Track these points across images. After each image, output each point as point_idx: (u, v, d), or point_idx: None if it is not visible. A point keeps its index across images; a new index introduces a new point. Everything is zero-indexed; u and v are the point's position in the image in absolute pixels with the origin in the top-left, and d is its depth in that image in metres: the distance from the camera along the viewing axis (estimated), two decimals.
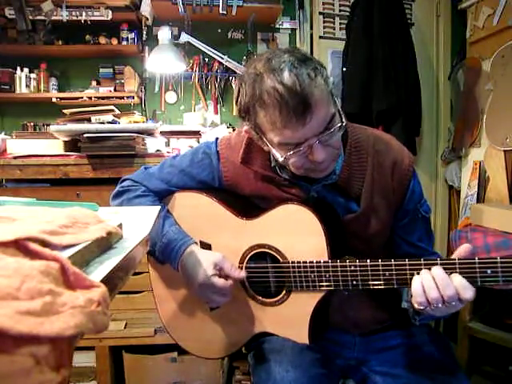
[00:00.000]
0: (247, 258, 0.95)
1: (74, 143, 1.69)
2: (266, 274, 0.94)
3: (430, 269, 0.77)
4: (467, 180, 2.37)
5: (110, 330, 1.66)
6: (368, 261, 0.82)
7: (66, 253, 0.41)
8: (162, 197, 1.03)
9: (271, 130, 0.80)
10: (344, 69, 2.38)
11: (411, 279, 0.78)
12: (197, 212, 1.00)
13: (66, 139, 1.71)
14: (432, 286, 0.74)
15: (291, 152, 0.81)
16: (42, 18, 2.59)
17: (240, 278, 0.92)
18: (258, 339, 0.97)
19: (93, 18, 2.63)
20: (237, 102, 0.86)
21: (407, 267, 0.79)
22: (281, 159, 0.83)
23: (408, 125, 2.25)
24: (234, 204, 0.98)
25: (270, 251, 0.92)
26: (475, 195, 2.25)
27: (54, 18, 2.59)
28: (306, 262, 0.87)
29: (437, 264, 0.76)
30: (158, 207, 0.87)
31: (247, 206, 0.98)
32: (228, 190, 1.00)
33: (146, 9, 2.63)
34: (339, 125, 0.81)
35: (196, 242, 0.95)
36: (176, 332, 1.05)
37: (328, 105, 0.79)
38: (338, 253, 0.87)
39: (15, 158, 1.62)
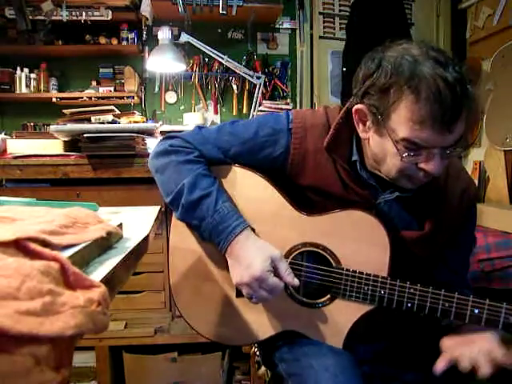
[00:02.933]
0: (295, 253, 0.89)
1: (74, 143, 1.69)
2: (312, 275, 0.89)
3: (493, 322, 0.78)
4: None
5: (110, 330, 1.66)
6: (430, 288, 0.81)
7: (66, 253, 0.41)
8: (213, 165, 0.92)
9: (406, 120, 0.72)
10: (344, 69, 2.38)
11: (471, 315, 0.79)
12: (248, 192, 0.91)
13: (66, 139, 1.71)
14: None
15: (410, 153, 0.74)
16: (42, 18, 2.59)
17: (293, 285, 0.85)
18: (282, 339, 0.92)
19: (93, 18, 2.63)
20: (370, 76, 0.76)
21: (469, 303, 0.79)
22: (395, 154, 0.75)
23: None
24: (288, 194, 0.91)
25: (323, 252, 0.87)
26: None
27: (54, 18, 2.60)
28: (362, 273, 0.84)
29: (502, 307, 0.77)
30: (158, 207, 0.85)
31: (300, 199, 0.91)
32: (287, 174, 0.91)
33: (146, 9, 2.63)
34: (463, 148, 0.77)
35: (250, 226, 0.86)
36: (187, 308, 0.97)
37: (465, 122, 0.74)
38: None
39: (15, 157, 1.62)
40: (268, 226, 0.90)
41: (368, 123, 0.80)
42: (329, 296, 0.88)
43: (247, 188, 0.92)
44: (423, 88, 0.69)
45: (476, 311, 0.79)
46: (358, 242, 0.85)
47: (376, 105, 0.75)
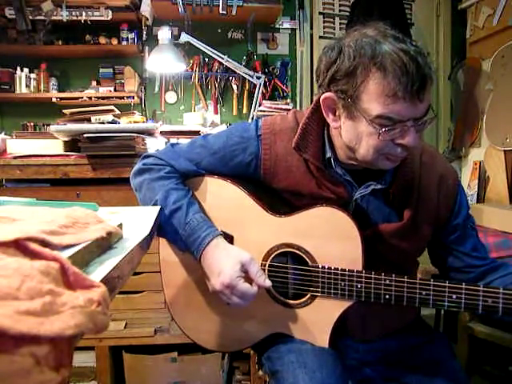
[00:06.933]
0: (272, 256, 0.90)
1: (74, 143, 1.69)
2: (292, 276, 0.90)
3: (470, 292, 0.77)
4: (467, 180, 2.37)
5: (110, 330, 1.66)
6: (405, 277, 0.80)
7: (66, 253, 0.41)
8: (188, 178, 0.96)
9: (377, 97, 0.72)
10: None
11: (449, 301, 0.78)
12: (223, 201, 0.93)
13: (66, 139, 1.71)
14: None
15: (386, 129, 0.74)
16: (42, 18, 2.59)
17: (265, 287, 0.84)
18: (269, 340, 0.93)
19: (93, 18, 2.63)
20: (333, 63, 0.77)
21: (446, 289, 0.78)
22: (371, 133, 0.76)
23: None
24: (263, 197, 0.92)
25: (298, 252, 0.88)
26: (475, 195, 2.26)
27: (54, 17, 2.60)
28: (337, 269, 0.83)
29: (479, 290, 0.76)
30: (158, 207, 0.85)
31: (277, 200, 0.92)
32: (262, 180, 0.93)
33: (145, 9, 2.63)
34: (432, 119, 0.77)
35: (221, 234, 0.88)
36: (183, 321, 0.99)
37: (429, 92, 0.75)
38: (369, 263, 0.84)
39: (15, 157, 1.62)
40: (244, 232, 0.91)
41: (338, 110, 0.80)
42: (309, 295, 0.88)
43: (220, 197, 0.93)
44: (388, 63, 0.71)
45: (454, 297, 0.78)
46: (330, 237, 0.85)
47: (344, 89, 0.76)
